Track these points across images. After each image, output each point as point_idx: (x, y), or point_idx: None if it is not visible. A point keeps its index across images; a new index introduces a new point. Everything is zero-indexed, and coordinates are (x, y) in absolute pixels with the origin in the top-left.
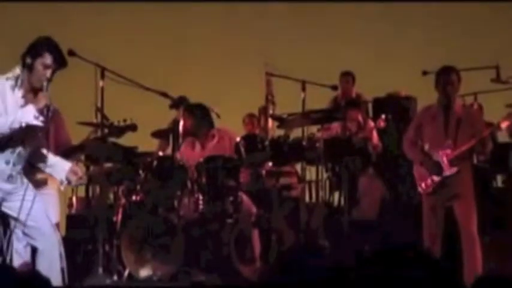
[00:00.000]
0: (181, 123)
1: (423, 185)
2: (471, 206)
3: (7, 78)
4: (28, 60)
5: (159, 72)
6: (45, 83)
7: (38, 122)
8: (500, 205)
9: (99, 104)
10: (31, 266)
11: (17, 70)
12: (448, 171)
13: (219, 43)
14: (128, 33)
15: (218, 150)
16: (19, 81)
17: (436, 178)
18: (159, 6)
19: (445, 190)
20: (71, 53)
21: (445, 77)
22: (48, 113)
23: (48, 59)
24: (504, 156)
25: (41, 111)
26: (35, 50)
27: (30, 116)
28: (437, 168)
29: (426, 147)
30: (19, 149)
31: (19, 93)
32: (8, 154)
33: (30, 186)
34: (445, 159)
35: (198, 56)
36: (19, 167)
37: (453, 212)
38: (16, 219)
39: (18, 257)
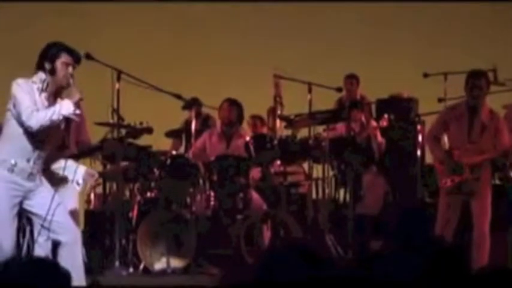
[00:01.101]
0: (193, 123)
1: (444, 181)
2: (487, 204)
3: (33, 82)
4: (48, 66)
5: (172, 75)
6: (71, 80)
7: (74, 116)
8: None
9: (115, 105)
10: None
11: (42, 75)
12: (469, 176)
13: (230, 47)
14: (143, 38)
15: (241, 150)
16: (45, 84)
17: (456, 179)
18: (172, 12)
19: (464, 191)
20: (89, 56)
21: (473, 80)
22: (80, 106)
23: (66, 57)
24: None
25: (76, 105)
26: (51, 53)
27: (69, 108)
28: (459, 170)
29: (446, 145)
30: (40, 148)
31: (43, 95)
32: (30, 152)
33: (47, 183)
34: (465, 160)
35: (210, 59)
36: (39, 166)
37: (469, 207)
38: (37, 215)
39: (40, 250)
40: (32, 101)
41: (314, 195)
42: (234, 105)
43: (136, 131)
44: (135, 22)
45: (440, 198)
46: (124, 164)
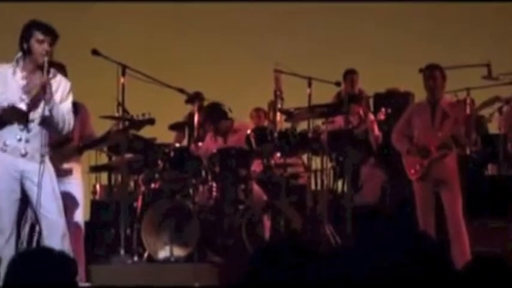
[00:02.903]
0: (196, 116)
1: (412, 171)
2: (456, 191)
3: (10, 66)
4: (25, 45)
5: (176, 70)
6: (46, 58)
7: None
8: (491, 192)
9: (120, 99)
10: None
11: (18, 55)
12: (434, 155)
13: (232, 43)
14: (148, 34)
15: (238, 143)
16: (20, 63)
17: (423, 162)
18: (175, 8)
19: (432, 176)
20: (95, 52)
21: (428, 72)
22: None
23: (39, 35)
24: (494, 146)
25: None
26: (25, 33)
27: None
28: (424, 152)
29: (415, 138)
30: (29, 128)
31: (20, 75)
32: (17, 131)
33: (50, 170)
34: (431, 145)
35: (213, 55)
36: (35, 145)
37: (440, 198)
38: (30, 199)
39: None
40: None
41: (313, 187)
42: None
43: (139, 122)
44: (139, 18)
45: (415, 191)
46: (129, 156)
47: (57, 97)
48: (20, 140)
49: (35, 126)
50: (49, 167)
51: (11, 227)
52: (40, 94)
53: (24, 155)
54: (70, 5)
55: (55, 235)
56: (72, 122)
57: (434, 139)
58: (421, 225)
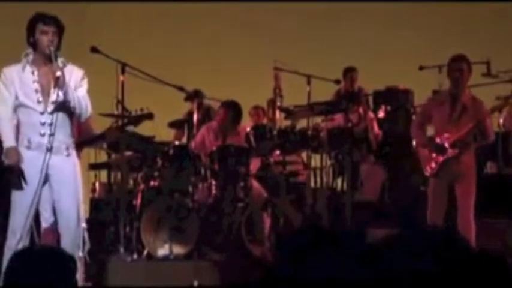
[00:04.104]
0: (195, 114)
1: (428, 168)
2: (471, 189)
3: (19, 64)
4: (31, 40)
5: (175, 68)
6: (52, 48)
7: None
8: (490, 190)
9: (119, 97)
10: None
11: (28, 50)
12: (450, 153)
13: (231, 41)
14: (147, 31)
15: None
16: (30, 57)
17: (440, 159)
18: (175, 6)
19: (448, 172)
20: (94, 50)
21: (455, 64)
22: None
23: (42, 26)
24: (493, 145)
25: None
26: (30, 27)
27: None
28: (441, 150)
29: (430, 132)
30: (50, 123)
31: (30, 69)
32: (38, 126)
33: (75, 166)
34: (447, 142)
35: (212, 52)
36: (59, 137)
37: (454, 192)
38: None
39: (44, 224)
40: (8, 91)
41: (312, 184)
42: (229, 108)
43: (137, 118)
44: (138, 16)
45: (429, 185)
46: (128, 153)
47: (70, 85)
48: (43, 134)
49: (55, 118)
50: (75, 160)
51: (24, 229)
52: (54, 85)
53: (49, 149)
54: (69, 3)
55: (72, 234)
56: (90, 107)
57: (452, 133)
58: (429, 220)
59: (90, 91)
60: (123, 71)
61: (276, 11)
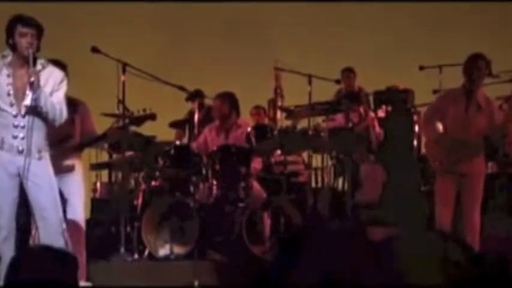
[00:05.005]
0: (196, 114)
1: (437, 163)
2: (479, 189)
3: None
4: (10, 41)
5: (175, 68)
6: (31, 51)
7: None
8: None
9: (120, 97)
10: None
11: (6, 51)
12: (464, 151)
13: (232, 40)
14: (148, 31)
15: (240, 141)
16: (8, 59)
17: (451, 156)
18: (176, 6)
19: (458, 171)
20: (95, 50)
21: (473, 62)
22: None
23: (21, 28)
24: (494, 145)
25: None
26: (9, 29)
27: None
28: (455, 147)
29: (440, 127)
30: (24, 125)
31: (6, 71)
32: (12, 128)
33: (48, 167)
34: (462, 139)
35: (213, 52)
36: (32, 141)
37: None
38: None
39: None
40: None
41: (313, 184)
42: (224, 98)
43: (140, 118)
44: (139, 16)
45: (436, 181)
46: (129, 153)
47: (48, 87)
48: (15, 137)
49: (28, 121)
50: (47, 163)
51: (9, 226)
52: (28, 88)
53: (21, 152)
54: (70, 3)
55: (52, 236)
56: (65, 112)
57: (467, 131)
58: (437, 218)
59: (91, 91)
60: (124, 71)
61: (277, 10)
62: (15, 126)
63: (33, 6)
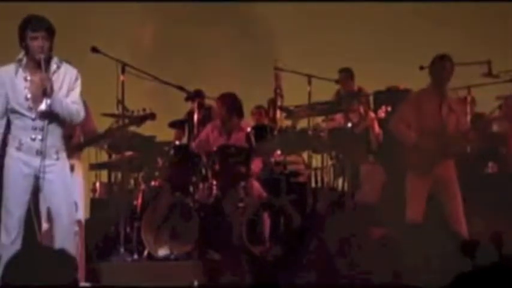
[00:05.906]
0: (195, 114)
1: (415, 163)
2: (457, 188)
3: (12, 66)
4: (23, 44)
5: (175, 68)
6: (42, 56)
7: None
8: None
9: (120, 97)
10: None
11: (20, 55)
12: (448, 149)
13: (232, 40)
14: (147, 32)
15: (241, 141)
16: (23, 62)
17: (428, 157)
18: (176, 6)
19: (433, 173)
20: (95, 50)
21: (441, 63)
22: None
23: (31, 32)
24: (495, 145)
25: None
26: (21, 33)
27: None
28: (430, 153)
29: (412, 135)
30: (42, 127)
31: (23, 74)
32: (30, 130)
33: (65, 168)
34: (439, 138)
35: (212, 52)
36: (50, 142)
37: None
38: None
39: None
40: None
41: (313, 184)
42: (222, 100)
43: (140, 118)
44: (139, 16)
45: (408, 178)
46: (129, 153)
47: (64, 86)
48: (34, 139)
49: (46, 123)
50: (64, 163)
51: (18, 228)
52: (42, 94)
53: (39, 153)
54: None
55: (65, 236)
56: (82, 111)
57: (442, 133)
58: (408, 214)
59: (90, 91)
60: (123, 71)
61: (277, 10)
62: (34, 129)
63: (34, 6)
